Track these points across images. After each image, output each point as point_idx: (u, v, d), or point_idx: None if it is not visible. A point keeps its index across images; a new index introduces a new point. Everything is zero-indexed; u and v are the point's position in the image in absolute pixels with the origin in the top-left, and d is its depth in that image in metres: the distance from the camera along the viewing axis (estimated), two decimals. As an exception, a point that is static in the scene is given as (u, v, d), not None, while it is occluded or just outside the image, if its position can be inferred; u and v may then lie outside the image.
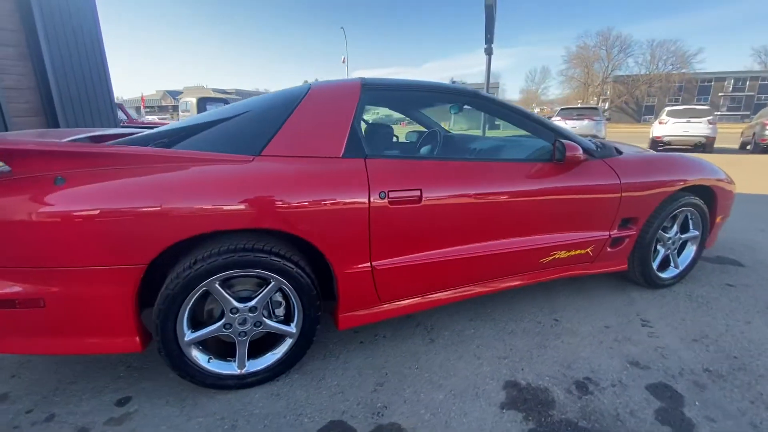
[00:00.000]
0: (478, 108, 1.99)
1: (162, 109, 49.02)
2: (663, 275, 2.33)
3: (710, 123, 10.59)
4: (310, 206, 1.42)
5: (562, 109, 12.95)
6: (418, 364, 1.68)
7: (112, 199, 1.24)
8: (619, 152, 2.19)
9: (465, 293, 1.84)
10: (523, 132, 2.04)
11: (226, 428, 1.34)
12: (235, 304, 1.43)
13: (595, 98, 43.49)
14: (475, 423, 1.36)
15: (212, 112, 1.71)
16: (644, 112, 40.81)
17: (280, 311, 1.57)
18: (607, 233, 2.05)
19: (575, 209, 1.91)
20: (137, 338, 1.38)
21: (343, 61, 37.33)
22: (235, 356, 1.49)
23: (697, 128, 10.66)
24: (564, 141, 1.77)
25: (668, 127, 11.11)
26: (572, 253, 1.99)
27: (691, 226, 2.36)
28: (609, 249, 2.11)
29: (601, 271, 2.16)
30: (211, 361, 1.47)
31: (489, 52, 15.86)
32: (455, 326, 1.96)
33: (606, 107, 42.80)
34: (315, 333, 1.57)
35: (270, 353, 1.55)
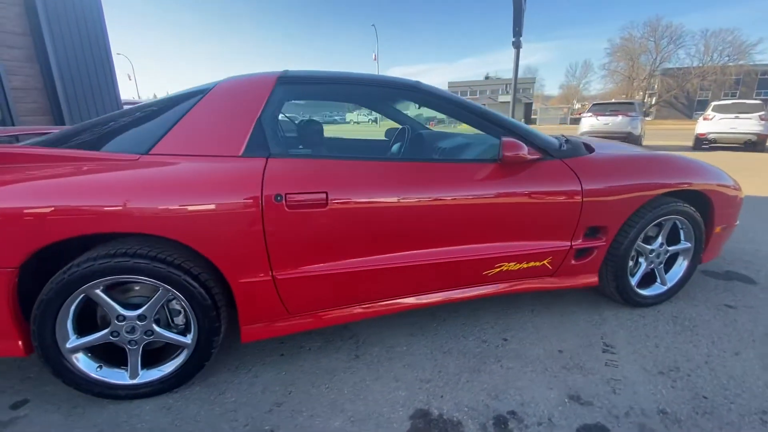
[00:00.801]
0: (416, 101, 1.80)
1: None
2: (645, 292, 2.03)
3: (762, 119, 9.53)
4: (195, 209, 1.31)
5: (594, 104, 12.15)
6: (331, 383, 1.53)
7: (-23, 200, 1.18)
8: (590, 150, 1.93)
9: (394, 306, 1.67)
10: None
11: (97, 443, 1.27)
12: (121, 311, 1.35)
13: (641, 93, 40.68)
14: (360, 458, 1.20)
15: (121, 111, 1.64)
16: (696, 107, 37.61)
17: (180, 320, 1.48)
18: (568, 244, 1.79)
19: (522, 216, 1.68)
20: (20, 342, 1.33)
21: (375, 59, 37.38)
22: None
23: (747, 125, 9.63)
24: (505, 139, 1.55)
25: (714, 123, 10.13)
26: (525, 265, 1.76)
27: (682, 237, 2.04)
28: (574, 261, 1.85)
29: (567, 286, 1.91)
30: (101, 369, 1.40)
31: (517, 45, 15.30)
32: (389, 341, 1.80)
33: (653, 102, 39.96)
34: (214, 345, 1.46)
35: (166, 364, 1.46)
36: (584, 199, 1.73)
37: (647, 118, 37.71)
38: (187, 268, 1.36)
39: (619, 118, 10.86)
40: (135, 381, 1.42)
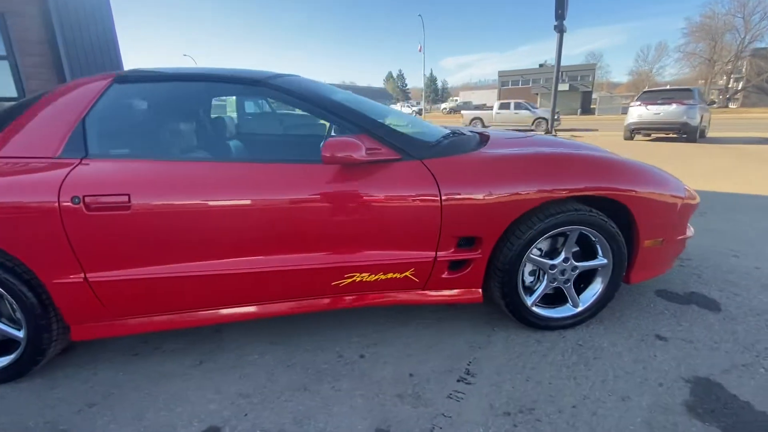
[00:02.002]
0: (266, 97, 1.68)
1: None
2: (547, 313, 1.75)
3: None
4: (4, 211, 1.33)
5: (644, 92, 10.89)
6: (156, 388, 1.50)
7: None
8: (480, 145, 1.69)
9: (232, 315, 1.59)
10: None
11: None
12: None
13: (724, 77, 35.70)
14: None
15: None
16: (796, 93, 32.19)
17: (16, 314, 1.53)
18: (431, 254, 1.58)
19: (367, 224, 1.50)
20: None
21: (420, 50, 36.74)
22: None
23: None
24: (329, 139, 1.39)
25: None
26: (383, 276, 1.59)
27: (599, 252, 1.72)
28: (447, 275, 1.64)
29: (444, 300, 1.70)
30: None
31: (560, 29, 14.41)
32: (247, 348, 1.72)
33: (738, 88, 34.91)
34: (45, 342, 1.49)
35: (3, 357, 1.52)
36: (444, 205, 1.51)
37: (731, 105, 33.02)
38: (10, 267, 1.40)
39: (673, 107, 9.61)
40: (-26, 371, 1.49)
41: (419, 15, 35.87)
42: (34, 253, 1.38)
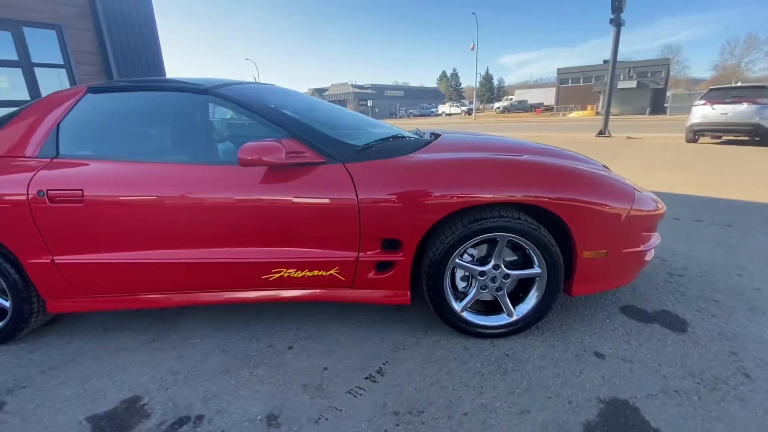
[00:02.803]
0: (212, 103, 1.82)
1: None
2: (477, 321, 1.72)
3: None
4: (-10, 201, 1.61)
5: (710, 89, 9.77)
6: (109, 359, 1.71)
7: None
8: (417, 149, 1.71)
9: (178, 300, 1.77)
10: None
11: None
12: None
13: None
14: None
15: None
16: None
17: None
18: (354, 255, 1.63)
19: (290, 223, 1.59)
20: None
21: (473, 48, 35.97)
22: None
23: None
24: (246, 144, 1.49)
25: None
26: (309, 273, 1.67)
27: (535, 261, 1.66)
28: (373, 275, 1.68)
29: (373, 300, 1.73)
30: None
31: (617, 23, 13.69)
32: (195, 331, 1.90)
33: None
34: (25, 312, 1.76)
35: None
36: (361, 208, 1.56)
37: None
38: (-2, 248, 1.69)
39: (744, 106, 8.54)
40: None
41: (473, 13, 35.13)
42: (12, 237, 1.65)
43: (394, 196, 1.55)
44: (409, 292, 1.72)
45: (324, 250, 1.65)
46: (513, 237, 1.59)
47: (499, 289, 1.70)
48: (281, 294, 1.75)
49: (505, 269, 1.67)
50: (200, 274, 1.69)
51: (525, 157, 1.73)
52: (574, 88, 40.71)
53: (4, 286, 1.75)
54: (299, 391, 1.47)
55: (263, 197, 1.58)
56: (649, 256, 1.83)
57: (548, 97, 47.93)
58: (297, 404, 1.40)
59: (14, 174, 1.63)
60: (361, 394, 1.44)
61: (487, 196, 1.54)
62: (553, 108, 41.88)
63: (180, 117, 1.81)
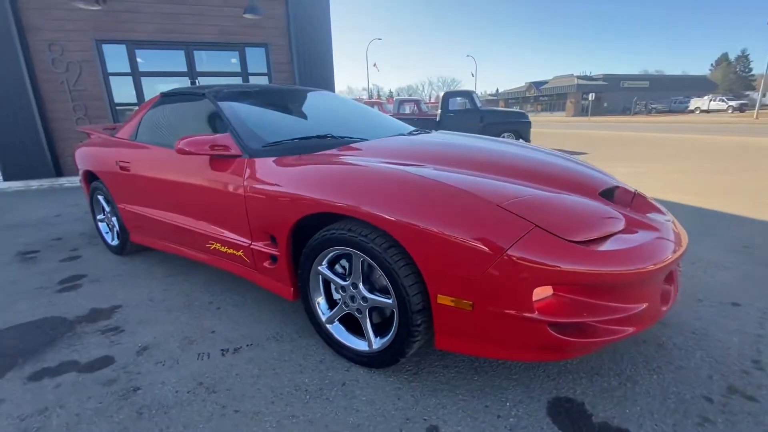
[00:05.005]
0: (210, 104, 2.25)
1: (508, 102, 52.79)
2: (340, 338, 1.59)
3: None
4: (106, 168, 2.63)
5: None
6: (40, 297, 2.52)
7: None
8: (330, 147, 1.74)
9: (174, 249, 2.37)
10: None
11: None
12: None
13: None
14: None
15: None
16: None
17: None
18: (248, 242, 1.79)
19: (212, 206, 1.92)
20: None
21: (768, 19, 25.65)
22: None
23: None
24: (187, 136, 1.81)
25: None
26: (227, 250, 1.94)
27: (391, 290, 1.39)
28: (268, 264, 1.80)
29: (272, 289, 1.85)
30: None
31: None
32: (188, 280, 2.49)
33: None
34: (123, 238, 2.78)
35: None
36: (246, 199, 1.71)
37: None
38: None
39: None
40: None
41: None
42: (111, 190, 2.63)
43: (265, 193, 1.64)
44: (291, 289, 1.76)
45: (232, 234, 1.90)
46: (363, 256, 1.40)
47: (359, 311, 1.52)
48: (218, 262, 2.10)
49: (363, 290, 1.47)
50: (177, 232, 2.23)
51: (451, 175, 1.42)
52: None
53: (114, 222, 2.80)
54: (191, 335, 1.80)
55: (194, 181, 1.96)
56: (594, 335, 1.20)
57: None
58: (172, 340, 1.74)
59: (112, 148, 2.59)
60: (203, 359, 1.64)
61: (326, 202, 1.42)
62: None
63: (191, 116, 2.36)
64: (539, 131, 17.74)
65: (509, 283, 1.16)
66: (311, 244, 1.54)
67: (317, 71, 7.07)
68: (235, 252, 1.92)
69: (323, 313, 1.64)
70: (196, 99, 2.31)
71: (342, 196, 1.41)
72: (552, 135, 15.63)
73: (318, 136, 2.00)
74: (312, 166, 1.58)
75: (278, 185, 1.61)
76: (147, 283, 2.44)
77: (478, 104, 9.89)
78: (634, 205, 1.60)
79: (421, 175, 1.38)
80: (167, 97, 2.55)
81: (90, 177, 2.98)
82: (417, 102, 11.27)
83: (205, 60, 6.57)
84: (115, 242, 2.89)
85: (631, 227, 1.37)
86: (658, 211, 1.59)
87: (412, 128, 2.58)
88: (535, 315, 1.16)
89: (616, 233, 1.31)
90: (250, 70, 6.71)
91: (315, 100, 2.66)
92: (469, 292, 1.21)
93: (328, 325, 1.63)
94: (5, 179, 5.85)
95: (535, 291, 1.15)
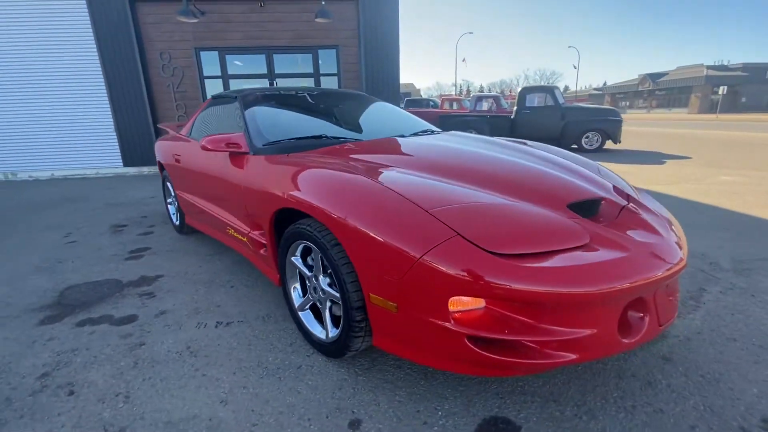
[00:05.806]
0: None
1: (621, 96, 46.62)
2: (308, 325, 1.70)
3: None
4: (166, 161, 3.12)
5: None
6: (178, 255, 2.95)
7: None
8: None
9: (210, 232, 2.73)
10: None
11: None
12: None
13: None
14: None
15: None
16: None
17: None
18: (247, 230, 2.00)
19: (226, 195, 2.17)
20: None
21: None
22: None
23: None
24: (210, 135, 2.08)
25: None
26: (238, 236, 2.19)
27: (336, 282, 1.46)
28: (263, 252, 2.00)
29: (268, 275, 2.05)
30: None
31: None
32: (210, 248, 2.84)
33: None
34: (181, 218, 3.28)
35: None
36: (243, 191, 1.92)
37: None
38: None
39: None
40: None
41: None
42: (172, 178, 3.11)
43: (254, 186, 1.83)
44: (278, 275, 1.93)
45: (239, 221, 2.13)
46: (318, 250, 1.50)
47: (320, 301, 1.62)
48: (235, 245, 2.37)
49: (323, 283, 1.57)
50: (209, 217, 2.57)
51: (416, 175, 1.49)
52: None
53: (177, 204, 3.31)
54: (200, 306, 2.10)
55: (216, 173, 2.24)
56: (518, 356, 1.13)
57: None
58: (184, 308, 2.05)
59: (174, 142, 3.06)
60: (201, 328, 1.90)
61: (290, 198, 1.55)
62: None
63: (227, 116, 2.66)
64: (640, 130, 15.62)
65: (426, 290, 1.16)
66: (285, 236, 1.68)
67: (384, 70, 7.24)
68: (242, 238, 2.17)
69: (296, 301, 1.78)
70: (231, 101, 2.61)
71: (303, 193, 1.52)
72: (650, 135, 13.62)
73: (313, 137, 2.14)
74: (287, 165, 1.72)
75: (263, 180, 1.79)
76: (189, 259, 2.85)
77: (561, 101, 9.14)
78: (619, 219, 1.41)
79: (365, 177, 1.43)
80: (215, 99, 2.92)
81: (161, 167, 3.55)
82: (496, 98, 10.86)
83: (283, 62, 7.19)
84: (178, 222, 3.41)
85: (594, 244, 1.24)
86: (651, 229, 1.38)
87: (428, 128, 2.58)
88: (450, 325, 1.14)
89: (567, 250, 1.19)
90: (322, 71, 7.17)
91: (340, 102, 2.78)
92: (393, 294, 1.23)
93: (300, 312, 1.76)
94: (125, 165, 7.18)
95: (451, 300, 1.13)
